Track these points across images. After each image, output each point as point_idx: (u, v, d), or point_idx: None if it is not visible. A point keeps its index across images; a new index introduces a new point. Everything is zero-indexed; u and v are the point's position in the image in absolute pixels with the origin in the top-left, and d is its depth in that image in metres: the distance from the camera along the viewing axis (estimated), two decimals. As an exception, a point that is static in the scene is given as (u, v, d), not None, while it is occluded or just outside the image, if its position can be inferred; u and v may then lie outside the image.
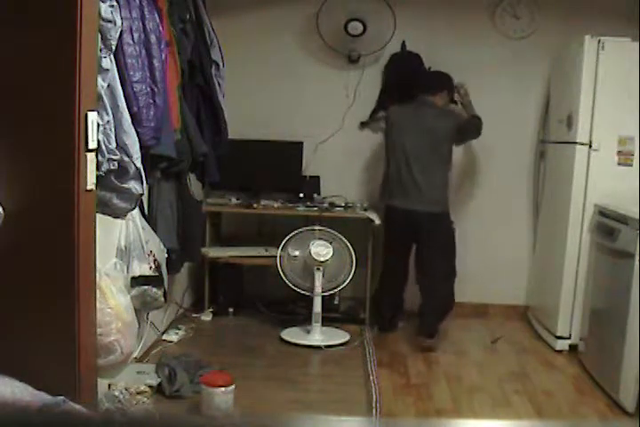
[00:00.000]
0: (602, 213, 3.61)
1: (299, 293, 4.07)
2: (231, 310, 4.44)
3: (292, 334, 4.03)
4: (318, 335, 4.00)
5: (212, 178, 3.75)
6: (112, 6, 2.28)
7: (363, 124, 4.64)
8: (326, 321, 4.09)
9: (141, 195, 2.55)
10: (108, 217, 2.54)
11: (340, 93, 4.61)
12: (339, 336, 4.05)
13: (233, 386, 2.92)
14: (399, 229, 4.10)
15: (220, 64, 3.68)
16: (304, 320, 4.16)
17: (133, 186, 2.47)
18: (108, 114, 2.28)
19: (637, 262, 3.08)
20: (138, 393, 2.91)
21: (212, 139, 3.61)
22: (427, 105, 4.02)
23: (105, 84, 2.27)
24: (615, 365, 3.18)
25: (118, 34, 2.35)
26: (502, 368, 3.73)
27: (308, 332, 4.04)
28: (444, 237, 4.04)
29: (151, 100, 2.66)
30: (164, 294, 3.24)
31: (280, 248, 4.06)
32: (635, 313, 3.06)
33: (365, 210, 4.38)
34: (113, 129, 2.30)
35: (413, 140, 3.96)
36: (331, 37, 4.51)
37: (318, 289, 4.00)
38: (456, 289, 4.13)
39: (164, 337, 3.89)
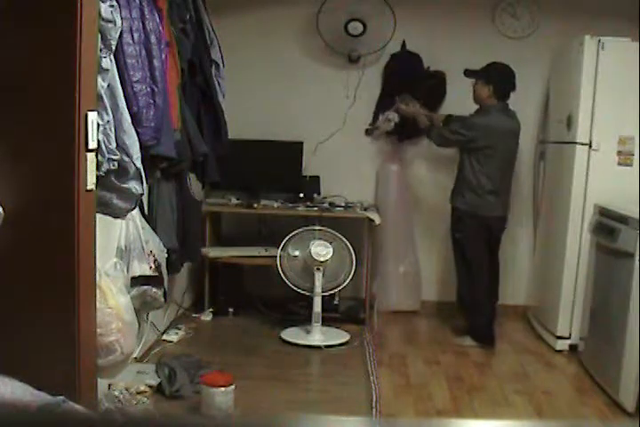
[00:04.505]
0: (602, 213, 3.61)
1: (299, 293, 4.07)
2: (231, 310, 4.44)
3: (291, 334, 4.03)
4: (318, 335, 4.00)
5: (211, 178, 3.75)
6: (112, 6, 2.28)
7: (368, 132, 4.65)
8: (326, 321, 4.09)
9: (141, 195, 2.55)
10: (108, 217, 2.54)
11: (340, 93, 4.61)
12: (339, 336, 4.05)
13: (233, 386, 2.92)
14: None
15: (220, 64, 3.68)
16: (304, 320, 4.15)
17: (133, 186, 2.47)
18: (107, 114, 2.28)
19: (637, 262, 3.08)
20: (138, 393, 2.91)
21: (212, 139, 3.61)
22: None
23: (105, 84, 2.27)
24: (615, 365, 3.18)
25: (118, 34, 2.35)
26: (502, 368, 3.73)
27: (308, 332, 4.03)
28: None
29: (151, 100, 2.66)
30: (164, 294, 3.24)
31: (280, 248, 4.06)
32: (635, 313, 3.06)
33: (365, 210, 4.38)
34: (113, 129, 2.30)
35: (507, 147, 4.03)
36: (331, 37, 4.51)
37: (318, 289, 4.00)
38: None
39: (164, 337, 3.89)
